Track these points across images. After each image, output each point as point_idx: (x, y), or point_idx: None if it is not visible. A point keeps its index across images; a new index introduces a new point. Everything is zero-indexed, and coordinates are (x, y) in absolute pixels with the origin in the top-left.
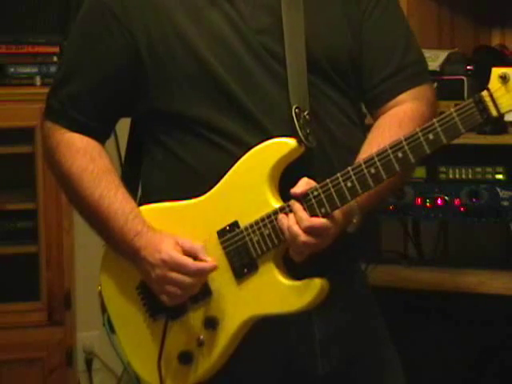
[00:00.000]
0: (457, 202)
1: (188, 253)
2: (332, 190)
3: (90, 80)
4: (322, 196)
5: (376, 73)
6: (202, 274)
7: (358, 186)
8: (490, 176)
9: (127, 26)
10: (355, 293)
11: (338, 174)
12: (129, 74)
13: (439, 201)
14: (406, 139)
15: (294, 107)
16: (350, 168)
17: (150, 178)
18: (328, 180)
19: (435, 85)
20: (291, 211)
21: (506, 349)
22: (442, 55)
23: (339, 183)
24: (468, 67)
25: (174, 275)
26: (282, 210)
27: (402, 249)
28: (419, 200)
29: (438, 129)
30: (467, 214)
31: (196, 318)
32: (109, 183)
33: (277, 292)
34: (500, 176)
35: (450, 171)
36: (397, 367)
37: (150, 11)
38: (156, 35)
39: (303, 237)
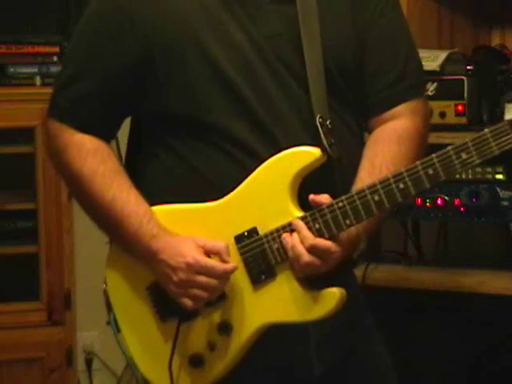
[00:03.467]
0: (457, 201)
1: (210, 252)
2: (358, 202)
3: (100, 80)
4: (348, 207)
5: (377, 80)
6: (228, 276)
7: (385, 200)
8: (489, 176)
9: (141, 28)
10: (349, 294)
11: (365, 187)
12: (140, 75)
13: (439, 201)
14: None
15: (317, 116)
16: (377, 181)
17: (154, 181)
18: (354, 192)
19: (435, 85)
20: (313, 220)
21: (506, 349)
22: (442, 55)
23: (366, 196)
24: (468, 67)
25: (201, 278)
26: (303, 219)
27: (401, 249)
28: (419, 200)
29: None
30: (467, 214)
31: (209, 321)
32: (120, 185)
33: (295, 300)
34: (500, 176)
35: None
36: (389, 366)
37: (164, 15)
38: (170, 39)
39: (306, 257)
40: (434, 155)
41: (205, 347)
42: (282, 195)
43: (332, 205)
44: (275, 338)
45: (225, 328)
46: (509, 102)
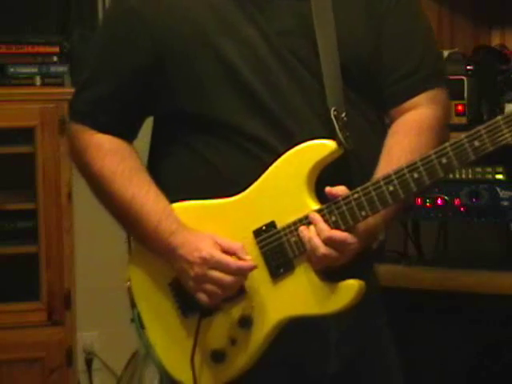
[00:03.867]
0: (457, 201)
1: (227, 252)
2: (373, 193)
3: (116, 82)
4: (363, 199)
5: (394, 70)
6: (243, 273)
7: (400, 190)
8: (490, 176)
9: (152, 29)
10: (369, 292)
11: (380, 177)
12: (152, 76)
13: (439, 201)
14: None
15: (332, 109)
16: (392, 172)
17: (173, 179)
18: (369, 183)
19: None
20: (330, 212)
21: (507, 349)
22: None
23: (381, 187)
24: (468, 67)
25: (215, 274)
26: (320, 211)
27: (401, 249)
28: (419, 200)
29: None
30: (467, 214)
31: (229, 316)
32: (140, 182)
33: (314, 293)
34: (500, 176)
35: None
36: (398, 368)
37: (176, 14)
38: (181, 37)
39: (323, 249)
40: (447, 144)
41: (226, 342)
42: (298, 189)
43: (348, 197)
44: (295, 334)
45: (245, 322)
46: (509, 101)
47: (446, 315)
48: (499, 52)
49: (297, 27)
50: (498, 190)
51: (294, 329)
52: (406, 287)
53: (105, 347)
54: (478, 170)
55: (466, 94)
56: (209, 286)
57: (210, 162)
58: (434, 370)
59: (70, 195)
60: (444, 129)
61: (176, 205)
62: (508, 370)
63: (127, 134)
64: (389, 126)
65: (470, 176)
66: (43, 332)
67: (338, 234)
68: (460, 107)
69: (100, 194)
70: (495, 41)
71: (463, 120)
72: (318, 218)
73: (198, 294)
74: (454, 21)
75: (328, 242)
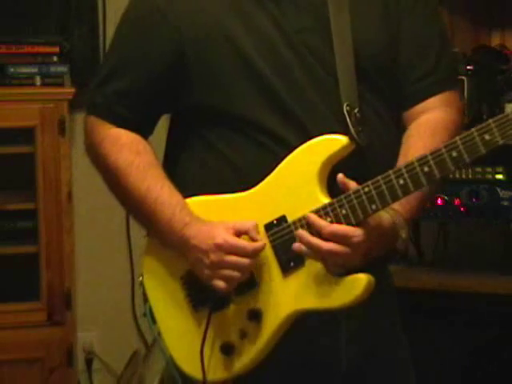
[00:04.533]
0: (457, 202)
1: (240, 232)
2: (383, 186)
3: (136, 77)
4: (374, 192)
5: (410, 71)
6: (258, 254)
7: (410, 184)
8: (490, 176)
9: (174, 24)
10: (381, 291)
11: (390, 171)
12: (174, 71)
13: (439, 201)
14: (461, 139)
15: (345, 104)
16: (402, 165)
17: (188, 172)
18: (379, 177)
19: None
20: (340, 206)
21: (506, 349)
22: None
23: (391, 180)
24: (468, 67)
25: (232, 258)
26: (330, 205)
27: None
28: None
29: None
30: (467, 214)
31: (240, 309)
32: (155, 176)
33: (324, 286)
34: (500, 176)
35: None
36: (410, 367)
37: (196, 10)
38: (202, 33)
39: (325, 245)
40: (457, 137)
41: (236, 335)
42: (310, 183)
43: (358, 190)
44: (305, 333)
45: (255, 315)
46: (509, 101)
47: (446, 315)
48: (499, 52)
49: (314, 25)
50: (498, 190)
51: (304, 328)
52: (406, 287)
53: (105, 347)
54: (478, 170)
55: (466, 94)
56: (226, 272)
57: (225, 155)
58: (433, 370)
59: (70, 195)
60: (458, 131)
61: (189, 199)
62: (508, 370)
63: (144, 129)
64: (403, 130)
65: (470, 176)
66: (43, 332)
67: (340, 227)
68: None
69: (114, 186)
70: (495, 41)
71: (463, 120)
72: (314, 217)
73: (215, 281)
74: (453, 21)
75: (331, 237)
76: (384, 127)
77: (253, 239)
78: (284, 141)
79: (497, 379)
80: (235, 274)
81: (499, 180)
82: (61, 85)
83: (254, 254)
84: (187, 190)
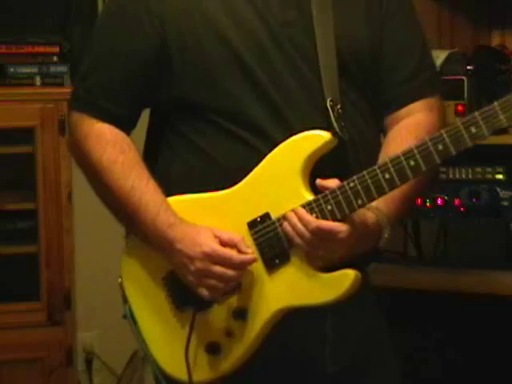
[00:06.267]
0: (457, 201)
1: (227, 244)
2: (369, 181)
3: (118, 69)
4: (359, 187)
5: (393, 75)
6: (245, 267)
7: (396, 178)
8: (489, 176)
9: (158, 15)
10: (366, 294)
11: (375, 166)
12: (156, 63)
13: (439, 201)
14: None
15: (328, 99)
16: (388, 160)
17: (170, 170)
18: (364, 172)
19: None
20: (325, 202)
21: (507, 349)
22: (442, 55)
23: (377, 175)
24: (468, 67)
25: (218, 269)
26: (315, 201)
27: (401, 249)
28: (419, 200)
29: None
30: (467, 214)
31: (225, 308)
32: (139, 174)
33: (310, 283)
34: (500, 176)
35: (450, 171)
36: (396, 370)
37: (179, 2)
38: (185, 24)
39: (308, 235)
40: (443, 131)
41: (222, 335)
42: (293, 179)
43: (343, 186)
44: (292, 334)
45: (241, 314)
46: None
47: (446, 315)
48: (499, 52)
49: (298, 19)
50: (498, 190)
51: (291, 328)
52: (406, 287)
53: (105, 347)
54: (478, 170)
55: (465, 94)
56: (211, 281)
57: (207, 153)
58: (433, 370)
59: (70, 195)
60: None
61: (171, 199)
62: (508, 371)
63: (127, 122)
64: (384, 132)
65: (470, 176)
66: (43, 332)
67: (325, 223)
68: (460, 107)
69: (98, 184)
70: (495, 41)
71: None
72: (302, 212)
73: (199, 289)
74: (454, 21)
75: (316, 232)
76: (365, 124)
77: (241, 252)
78: (268, 137)
79: (498, 379)
80: (220, 284)
81: (499, 180)
82: (61, 85)
83: (241, 266)
84: (170, 189)
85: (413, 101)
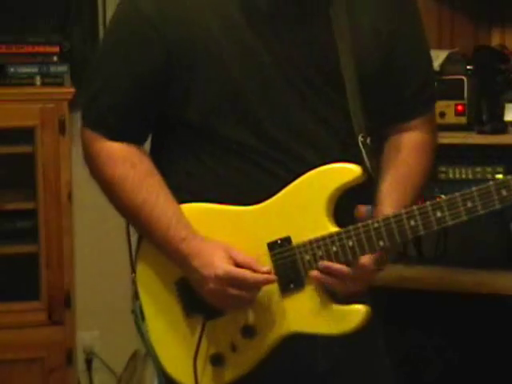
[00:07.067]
0: None
1: (241, 266)
2: (394, 225)
3: (128, 90)
4: (383, 229)
5: (400, 91)
6: (260, 286)
7: (421, 226)
8: (489, 176)
9: (164, 37)
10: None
11: (402, 211)
12: (163, 83)
13: None
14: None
15: (359, 136)
16: (415, 207)
17: (178, 185)
18: (390, 215)
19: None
20: (347, 237)
21: (507, 349)
22: (442, 55)
23: (402, 220)
24: (468, 67)
25: (233, 291)
26: (338, 234)
27: (401, 249)
28: (419, 200)
29: None
30: None
31: (234, 322)
32: (150, 187)
33: (321, 312)
34: (500, 176)
35: (450, 171)
36: (389, 368)
37: (185, 24)
38: (188, 48)
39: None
40: (474, 189)
41: (227, 347)
42: (318, 208)
43: (367, 225)
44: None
45: (249, 332)
46: (509, 101)
47: (446, 315)
48: (499, 52)
49: (313, 52)
50: None
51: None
52: (406, 287)
53: (105, 347)
54: (478, 170)
55: (465, 94)
56: (226, 301)
57: (215, 172)
58: (433, 369)
59: (70, 195)
60: (435, 152)
61: (191, 206)
62: (508, 371)
63: (138, 139)
64: (384, 137)
65: (470, 176)
66: (43, 332)
67: (357, 272)
68: (460, 107)
69: (112, 199)
70: (495, 41)
71: (463, 120)
72: (333, 265)
73: (214, 303)
74: (454, 21)
75: (343, 278)
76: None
77: (255, 271)
78: (278, 161)
79: (498, 379)
80: (235, 304)
81: None
82: (61, 85)
83: (255, 287)
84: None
85: (418, 116)
